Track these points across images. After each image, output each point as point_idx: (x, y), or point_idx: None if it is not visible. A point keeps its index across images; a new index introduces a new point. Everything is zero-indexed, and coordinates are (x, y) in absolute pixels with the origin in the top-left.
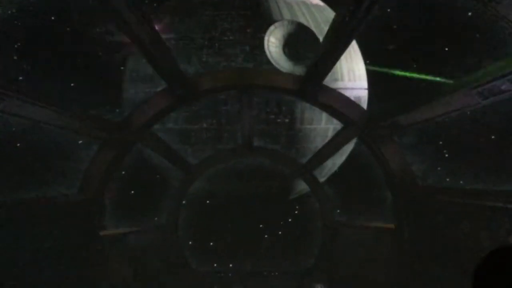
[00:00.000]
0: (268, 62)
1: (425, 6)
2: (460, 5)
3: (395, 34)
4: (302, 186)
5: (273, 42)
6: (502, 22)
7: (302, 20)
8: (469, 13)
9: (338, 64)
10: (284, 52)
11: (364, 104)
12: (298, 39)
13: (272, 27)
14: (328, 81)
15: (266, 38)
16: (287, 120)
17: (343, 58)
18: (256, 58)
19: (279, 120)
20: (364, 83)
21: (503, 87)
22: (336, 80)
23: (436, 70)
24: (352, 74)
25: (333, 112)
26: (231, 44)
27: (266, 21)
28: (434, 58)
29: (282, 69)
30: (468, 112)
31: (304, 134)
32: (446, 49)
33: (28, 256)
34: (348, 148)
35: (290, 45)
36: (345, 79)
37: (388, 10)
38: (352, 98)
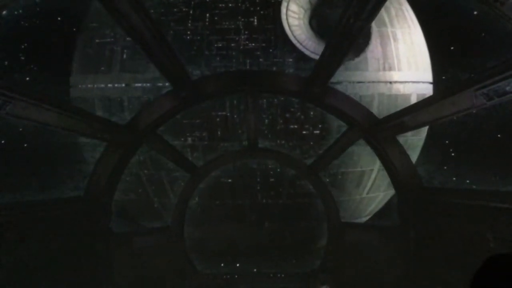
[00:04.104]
0: (286, 41)
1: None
2: (466, 6)
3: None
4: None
5: (294, 12)
6: (507, 23)
7: None
8: (475, 13)
9: (393, 49)
10: (311, 27)
11: None
12: (331, 8)
13: None
14: (376, 69)
15: (284, 5)
16: (317, 132)
17: (401, 40)
18: (268, 36)
19: (304, 132)
20: (429, 75)
21: (507, 88)
22: (390, 69)
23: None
24: (413, 63)
25: (338, 114)
26: (229, 15)
27: None
28: (439, 58)
29: (306, 52)
30: (474, 112)
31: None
32: (452, 48)
33: (33, 257)
34: None
35: (320, 16)
36: (403, 68)
37: None
38: (415, 95)
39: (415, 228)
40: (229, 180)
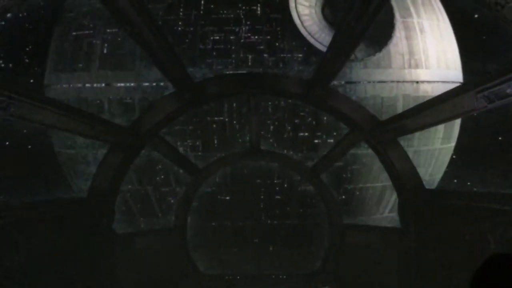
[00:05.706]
0: (294, 34)
1: None
2: (466, 8)
3: None
4: None
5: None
6: (507, 25)
7: None
8: (475, 16)
9: (420, 43)
10: (324, 17)
11: None
12: None
13: None
14: (401, 66)
15: None
16: (330, 141)
17: (429, 33)
18: (274, 27)
19: (316, 141)
20: (459, 73)
21: (508, 91)
22: (417, 67)
23: None
24: (443, 60)
25: (340, 116)
26: (228, 2)
27: None
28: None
29: (318, 46)
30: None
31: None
32: (484, 45)
33: (37, 257)
34: None
35: (334, 5)
36: (432, 67)
37: None
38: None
39: (416, 230)
40: (227, 198)
